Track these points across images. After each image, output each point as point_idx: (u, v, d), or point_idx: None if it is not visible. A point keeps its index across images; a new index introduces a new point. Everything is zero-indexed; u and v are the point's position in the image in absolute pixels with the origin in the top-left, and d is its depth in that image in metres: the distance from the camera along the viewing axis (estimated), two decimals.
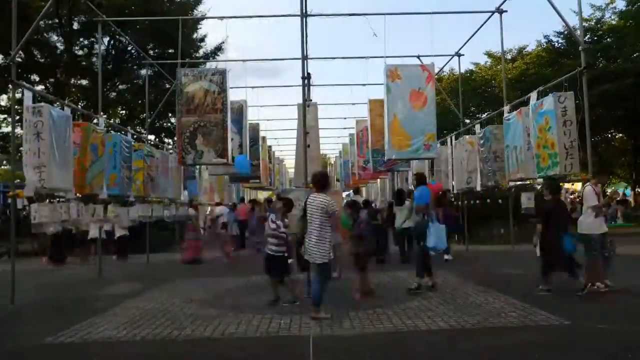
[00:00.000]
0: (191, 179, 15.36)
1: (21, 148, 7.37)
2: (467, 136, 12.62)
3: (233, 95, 11.37)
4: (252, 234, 15.18)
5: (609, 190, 31.56)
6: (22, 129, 7.62)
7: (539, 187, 10.63)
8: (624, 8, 20.47)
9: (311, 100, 9.24)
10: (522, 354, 4.59)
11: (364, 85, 15.62)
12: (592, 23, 20.97)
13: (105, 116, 10.29)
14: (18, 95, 9.79)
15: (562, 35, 21.40)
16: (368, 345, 4.95)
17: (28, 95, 7.39)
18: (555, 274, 7.16)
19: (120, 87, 22.53)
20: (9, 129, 17.58)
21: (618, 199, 27.00)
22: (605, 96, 18.14)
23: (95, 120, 9.77)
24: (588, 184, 7.21)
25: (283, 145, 27.31)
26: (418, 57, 12.51)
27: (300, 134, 8.75)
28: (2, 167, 31.92)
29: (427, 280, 7.67)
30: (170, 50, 19.69)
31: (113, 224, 11.49)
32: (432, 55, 12.11)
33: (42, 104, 7.60)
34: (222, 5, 29.80)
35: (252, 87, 16.03)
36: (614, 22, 20.88)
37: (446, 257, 10.95)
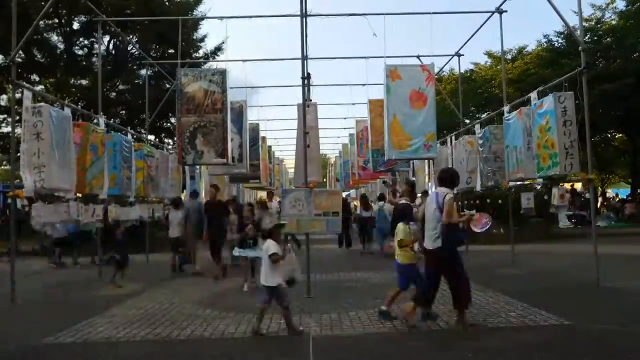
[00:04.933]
0: (191, 179, 15.34)
1: (19, 154, 7.33)
2: (467, 136, 12.59)
3: (233, 96, 11.37)
4: None
5: (608, 191, 31.57)
6: (21, 129, 7.61)
7: (538, 187, 10.60)
8: (624, 8, 20.50)
9: (311, 100, 9.23)
10: (522, 354, 4.59)
11: (364, 85, 15.55)
12: (592, 23, 20.98)
13: (105, 116, 10.27)
14: (18, 95, 9.79)
15: (562, 36, 21.42)
16: (368, 345, 4.95)
17: (28, 95, 7.39)
18: None
19: (120, 87, 22.53)
20: (9, 129, 17.56)
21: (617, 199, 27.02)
22: (605, 96, 18.16)
23: (95, 120, 9.76)
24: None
25: (283, 145, 27.26)
26: (418, 57, 12.49)
27: (300, 134, 8.75)
28: (2, 167, 31.91)
29: None
30: (170, 51, 19.70)
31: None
32: (432, 55, 12.04)
33: (42, 104, 7.59)
34: (222, 6, 29.79)
35: (252, 87, 16.02)
36: (614, 22, 20.89)
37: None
